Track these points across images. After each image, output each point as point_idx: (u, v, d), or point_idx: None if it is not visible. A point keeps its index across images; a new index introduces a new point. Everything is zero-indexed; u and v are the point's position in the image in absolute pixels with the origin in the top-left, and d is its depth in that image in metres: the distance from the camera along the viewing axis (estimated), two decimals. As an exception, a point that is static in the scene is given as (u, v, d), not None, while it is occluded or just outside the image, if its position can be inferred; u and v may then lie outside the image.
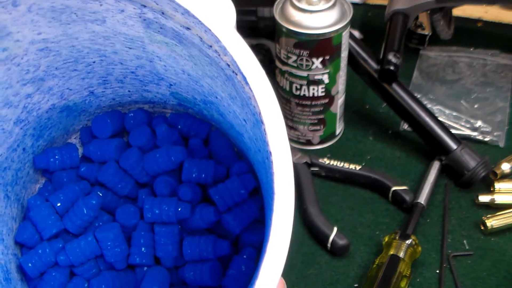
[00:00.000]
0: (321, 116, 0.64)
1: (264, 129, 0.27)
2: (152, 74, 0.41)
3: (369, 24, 0.82)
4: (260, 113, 0.27)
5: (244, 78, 0.28)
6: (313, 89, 0.62)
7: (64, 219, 0.43)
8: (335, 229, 0.57)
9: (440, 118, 0.65)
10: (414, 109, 0.63)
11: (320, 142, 0.67)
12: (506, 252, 0.57)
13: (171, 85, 0.42)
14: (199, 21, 0.29)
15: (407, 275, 0.53)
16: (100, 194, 0.45)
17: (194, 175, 0.44)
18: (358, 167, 0.62)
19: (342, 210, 0.61)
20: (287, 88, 0.63)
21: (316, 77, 0.61)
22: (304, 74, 0.61)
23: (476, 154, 0.62)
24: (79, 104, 0.44)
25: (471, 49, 0.77)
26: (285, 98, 0.64)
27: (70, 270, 0.44)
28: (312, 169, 0.63)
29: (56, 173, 0.46)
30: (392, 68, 0.62)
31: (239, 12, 0.54)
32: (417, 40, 0.77)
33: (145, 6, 0.32)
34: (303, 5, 0.58)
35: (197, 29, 0.30)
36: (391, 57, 0.63)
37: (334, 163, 0.63)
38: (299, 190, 0.61)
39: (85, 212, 0.43)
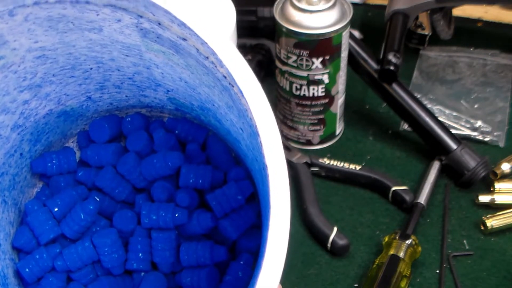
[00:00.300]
0: (321, 116, 0.65)
1: (260, 142, 0.27)
2: (149, 80, 0.41)
3: (369, 24, 0.82)
4: (256, 126, 0.27)
5: (241, 91, 0.28)
6: (313, 89, 0.62)
7: (61, 224, 0.43)
8: (335, 229, 0.57)
9: (440, 118, 0.65)
10: (414, 109, 0.63)
11: (320, 142, 0.67)
12: (506, 252, 0.57)
13: (168, 91, 0.42)
14: (195, 33, 0.29)
15: (407, 275, 0.53)
16: (98, 199, 0.45)
17: (191, 181, 0.44)
18: (358, 167, 0.62)
19: (342, 210, 0.61)
20: (287, 88, 0.63)
21: (316, 77, 0.61)
22: (304, 74, 0.61)
23: (476, 154, 0.62)
24: (77, 109, 0.45)
25: (471, 49, 0.77)
26: (285, 98, 0.64)
27: (67, 275, 0.44)
28: (312, 169, 0.63)
29: (54, 177, 0.46)
30: (392, 68, 0.62)
31: (239, 12, 0.54)
32: (417, 40, 0.77)
33: (141, 17, 0.32)
34: (303, 5, 0.58)
35: (193, 41, 0.30)
36: (391, 57, 0.63)
37: (334, 163, 0.63)
38: (299, 190, 0.61)
39: (82, 217, 0.43)
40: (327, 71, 0.61)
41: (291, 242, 0.58)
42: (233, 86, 0.29)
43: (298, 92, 0.63)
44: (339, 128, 0.68)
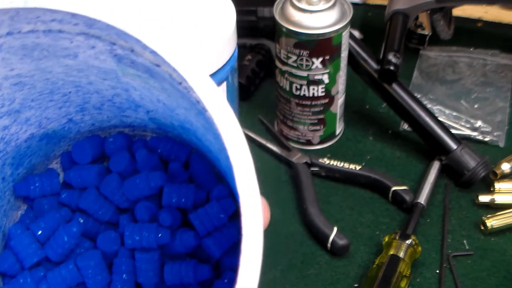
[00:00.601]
0: (321, 116, 0.65)
1: (233, 169, 0.28)
2: (129, 101, 0.41)
3: (369, 24, 0.82)
4: (229, 157, 0.28)
5: (212, 118, 0.28)
6: (313, 89, 0.62)
7: (45, 247, 0.44)
8: (335, 229, 0.57)
9: (440, 118, 0.65)
10: (414, 109, 0.63)
11: (320, 142, 0.67)
12: (506, 252, 0.57)
13: (148, 111, 0.42)
14: (166, 61, 0.29)
15: (407, 275, 0.53)
16: (81, 221, 0.45)
17: (174, 200, 0.44)
18: (358, 167, 0.62)
19: (342, 210, 0.61)
20: (287, 88, 0.63)
21: (316, 77, 0.61)
22: (304, 74, 0.61)
23: (476, 154, 0.62)
24: (58, 131, 0.45)
25: (471, 49, 0.77)
26: (285, 98, 0.64)
27: None
28: (312, 169, 0.63)
29: (37, 200, 0.46)
30: (392, 68, 0.62)
31: (239, 12, 0.54)
32: (417, 40, 0.77)
33: (114, 44, 0.32)
34: (303, 5, 0.58)
35: (166, 67, 0.31)
36: (391, 57, 0.63)
37: (334, 163, 0.63)
38: (299, 190, 0.61)
39: (66, 240, 0.43)
40: (327, 71, 0.61)
41: (291, 242, 0.59)
42: (206, 111, 0.29)
43: (298, 92, 0.63)
44: (339, 128, 0.68)
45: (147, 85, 0.36)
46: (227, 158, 0.29)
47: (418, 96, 0.70)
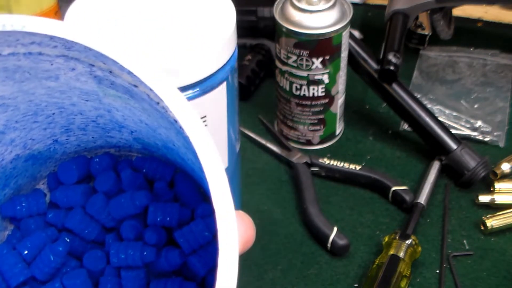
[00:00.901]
0: (321, 116, 0.65)
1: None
2: (112, 122, 0.42)
3: (369, 24, 0.82)
4: (206, 176, 0.28)
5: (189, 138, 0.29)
6: (313, 89, 0.62)
7: (31, 266, 0.44)
8: (335, 229, 0.57)
9: (440, 118, 0.65)
10: (414, 109, 0.63)
11: (320, 142, 0.67)
12: (506, 252, 0.57)
13: (132, 132, 0.42)
14: (142, 81, 0.29)
15: (407, 275, 0.53)
16: (68, 240, 0.45)
17: (159, 219, 0.44)
18: (358, 167, 0.62)
19: (342, 210, 0.61)
20: (287, 88, 0.63)
21: (316, 77, 0.61)
22: (304, 74, 0.61)
23: (476, 154, 0.62)
24: (44, 152, 0.45)
25: (471, 49, 0.77)
26: (285, 98, 0.64)
27: None
28: (312, 169, 0.63)
29: (24, 220, 0.46)
30: (392, 68, 0.62)
31: (239, 12, 0.54)
32: (417, 40, 0.77)
33: (93, 65, 0.33)
34: (303, 5, 0.58)
35: (143, 87, 0.31)
36: (391, 57, 0.63)
37: (334, 163, 0.63)
38: (299, 190, 0.61)
39: (52, 259, 0.43)
40: (327, 71, 0.61)
41: (291, 242, 0.59)
42: (183, 130, 0.29)
43: (298, 92, 0.63)
44: (339, 128, 0.68)
45: (128, 105, 0.36)
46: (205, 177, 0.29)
47: (418, 96, 0.70)
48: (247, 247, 0.34)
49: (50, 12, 0.63)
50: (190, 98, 0.47)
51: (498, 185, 0.61)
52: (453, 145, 0.62)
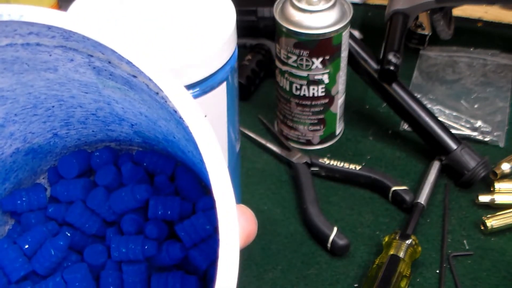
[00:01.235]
0: (321, 116, 0.65)
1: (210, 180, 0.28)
2: (112, 115, 0.41)
3: (369, 24, 0.82)
4: (206, 168, 0.28)
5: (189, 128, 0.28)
6: (313, 89, 0.62)
7: (32, 261, 0.44)
8: (335, 229, 0.57)
9: (440, 118, 0.65)
10: (414, 109, 0.63)
11: (320, 142, 0.67)
12: (506, 252, 0.57)
13: (132, 125, 0.42)
14: (141, 71, 0.29)
15: (407, 275, 0.53)
16: (68, 234, 0.45)
17: (160, 212, 0.44)
18: (358, 167, 0.62)
19: (342, 210, 0.61)
20: (287, 88, 0.63)
21: (316, 77, 0.61)
22: (304, 74, 0.61)
23: (476, 154, 0.62)
24: (44, 146, 0.45)
25: (471, 49, 0.77)
26: (285, 98, 0.64)
27: None
28: (312, 169, 0.63)
29: (24, 214, 0.46)
30: (392, 68, 0.62)
31: (239, 12, 0.54)
32: (417, 40, 0.77)
33: (92, 56, 0.32)
34: (303, 5, 0.58)
35: (142, 77, 0.31)
36: (391, 57, 0.63)
37: (334, 163, 0.63)
38: (299, 190, 0.61)
39: (52, 253, 0.43)
40: (327, 71, 0.61)
41: (291, 242, 0.59)
42: (183, 121, 0.29)
43: (298, 92, 0.63)
44: (339, 128, 0.68)
45: (128, 97, 0.36)
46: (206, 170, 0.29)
47: (418, 96, 0.70)
48: (248, 241, 0.34)
49: (50, 12, 0.63)
50: (190, 98, 0.47)
51: (498, 185, 0.61)
52: (453, 145, 0.62)
